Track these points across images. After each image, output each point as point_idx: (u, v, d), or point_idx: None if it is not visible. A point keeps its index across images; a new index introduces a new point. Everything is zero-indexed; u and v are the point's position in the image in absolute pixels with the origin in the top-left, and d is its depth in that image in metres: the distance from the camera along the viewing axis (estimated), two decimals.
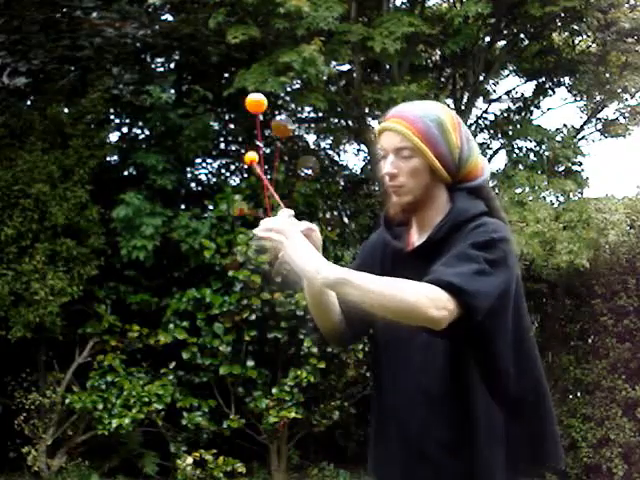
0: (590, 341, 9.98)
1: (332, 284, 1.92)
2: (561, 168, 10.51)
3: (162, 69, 11.14)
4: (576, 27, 10.74)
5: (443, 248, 2.03)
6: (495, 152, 11.52)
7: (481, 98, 11.88)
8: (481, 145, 11.38)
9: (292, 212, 2.05)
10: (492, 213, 2.13)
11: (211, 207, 9.84)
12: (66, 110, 9.55)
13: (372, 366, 2.32)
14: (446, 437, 2.05)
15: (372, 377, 2.30)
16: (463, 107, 10.91)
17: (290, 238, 1.96)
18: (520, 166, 10.47)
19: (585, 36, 11.39)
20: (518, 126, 11.23)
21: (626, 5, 10.75)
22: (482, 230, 2.02)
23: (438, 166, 2.09)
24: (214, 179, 11.83)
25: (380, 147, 2.16)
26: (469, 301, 1.90)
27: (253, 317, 9.04)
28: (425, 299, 1.87)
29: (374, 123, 11.36)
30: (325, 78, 9.80)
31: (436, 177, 2.11)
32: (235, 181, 11.41)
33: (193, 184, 11.57)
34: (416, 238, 2.18)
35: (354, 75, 10.64)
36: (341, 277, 1.90)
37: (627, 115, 11.73)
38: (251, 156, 2.23)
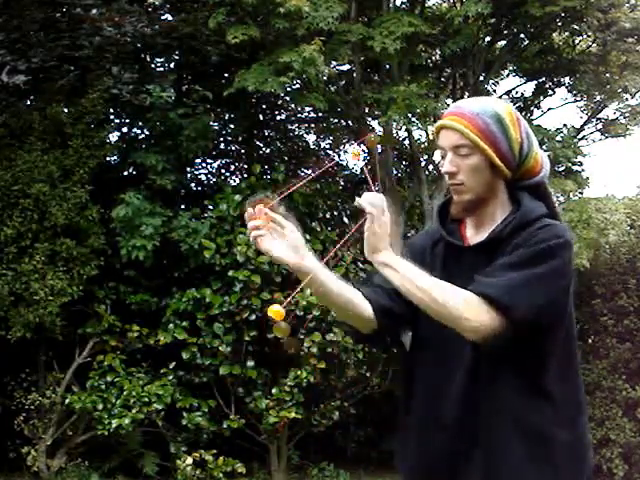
0: (590, 341, 9.97)
1: (380, 266, 2.01)
2: (561, 168, 10.51)
3: (162, 69, 11.13)
4: (576, 27, 10.73)
5: (504, 247, 2.01)
6: None
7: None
8: None
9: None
10: (551, 213, 2.09)
11: (211, 207, 9.84)
12: (66, 110, 9.54)
13: (407, 363, 2.23)
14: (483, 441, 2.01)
15: (406, 374, 2.23)
16: None
17: (379, 217, 2.03)
18: None
19: (585, 36, 11.39)
20: None
21: (626, 5, 10.74)
22: (542, 236, 1.98)
23: (499, 163, 2.05)
24: (214, 179, 11.83)
25: (439, 145, 2.12)
26: (507, 313, 1.89)
27: (253, 317, 9.03)
28: (464, 306, 1.90)
29: (374, 123, 11.36)
30: (325, 78, 9.79)
31: (497, 174, 2.07)
32: (235, 181, 11.42)
33: (193, 184, 11.57)
34: (472, 234, 2.14)
35: (354, 75, 10.64)
36: (389, 263, 1.99)
37: (627, 115, 11.72)
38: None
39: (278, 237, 1.99)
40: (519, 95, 12.15)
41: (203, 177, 12.05)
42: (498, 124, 2.05)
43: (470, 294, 1.91)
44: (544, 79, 11.71)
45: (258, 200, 2.03)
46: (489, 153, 2.04)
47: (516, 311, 1.89)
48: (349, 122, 11.70)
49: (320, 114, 11.57)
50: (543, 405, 2.01)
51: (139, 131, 11.01)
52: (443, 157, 2.11)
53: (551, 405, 2.01)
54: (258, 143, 12.25)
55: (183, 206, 10.31)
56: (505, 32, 11.03)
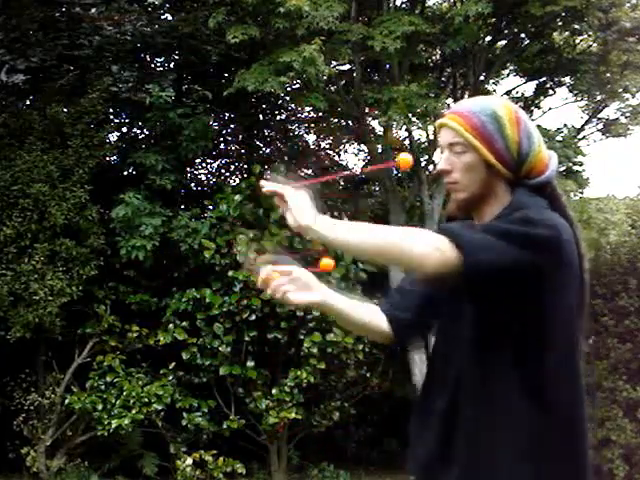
0: (591, 341, 9.94)
1: (310, 231, 1.96)
2: (562, 168, 10.49)
3: (162, 68, 11.13)
4: (577, 26, 10.71)
5: None
6: None
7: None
8: None
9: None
10: (556, 211, 2.01)
11: (211, 207, 9.82)
12: (65, 110, 9.53)
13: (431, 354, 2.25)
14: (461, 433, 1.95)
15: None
16: None
17: (293, 197, 2.02)
18: None
19: (586, 35, 11.36)
20: None
21: (627, 4, 10.73)
22: (521, 212, 1.91)
23: (494, 161, 2.01)
24: (214, 179, 11.82)
25: (438, 143, 2.12)
26: (460, 245, 1.79)
27: (253, 317, 9.02)
28: (413, 240, 1.83)
29: (374, 123, 11.35)
30: (325, 78, 9.77)
31: (494, 173, 2.03)
32: (235, 181, 11.40)
33: (193, 184, 11.56)
34: None
35: (354, 75, 10.62)
36: (318, 225, 1.99)
37: (628, 115, 11.70)
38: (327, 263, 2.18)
39: (293, 284, 2.06)
40: (519, 95, 12.14)
41: (203, 177, 12.06)
42: (495, 123, 2.02)
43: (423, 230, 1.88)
44: (545, 79, 11.69)
45: (259, 259, 2.10)
46: (483, 152, 2.01)
47: (470, 246, 1.80)
48: (349, 122, 11.68)
49: (320, 114, 11.55)
50: (529, 413, 1.92)
51: (139, 131, 11.01)
52: (441, 154, 2.10)
53: (539, 415, 1.92)
54: (258, 143, 12.24)
55: (183, 206, 10.29)
56: (505, 32, 11.01)
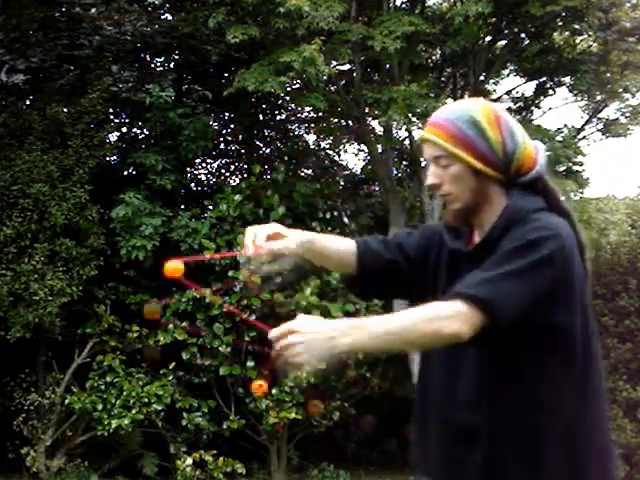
0: None
1: (350, 351, 1.83)
2: (562, 168, 10.48)
3: (162, 68, 11.12)
4: (577, 26, 10.70)
5: (494, 250, 1.91)
6: None
7: (482, 98, 11.79)
8: None
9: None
10: (552, 208, 2.00)
11: (211, 207, 9.82)
12: (65, 110, 9.53)
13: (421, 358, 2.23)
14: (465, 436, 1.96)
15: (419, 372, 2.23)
16: None
17: (305, 335, 1.80)
18: None
19: (586, 35, 11.35)
20: None
21: (627, 4, 10.72)
22: (525, 231, 1.90)
23: (481, 167, 1.99)
24: (214, 179, 11.82)
25: (424, 159, 2.14)
26: (490, 310, 1.80)
27: (253, 317, 9.01)
28: (440, 322, 1.79)
29: (374, 123, 11.34)
30: (325, 78, 9.77)
31: (484, 178, 2.00)
32: (235, 181, 11.40)
33: (193, 184, 11.55)
34: (477, 239, 2.08)
35: (354, 75, 10.61)
36: (355, 344, 1.81)
37: (628, 115, 11.69)
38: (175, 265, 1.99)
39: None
40: (520, 95, 12.13)
41: (203, 177, 12.05)
42: (474, 127, 1.99)
43: (442, 305, 1.83)
44: (545, 79, 11.69)
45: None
46: (468, 159, 1.98)
47: (496, 305, 1.80)
48: (349, 122, 11.68)
49: (320, 114, 11.55)
50: (539, 419, 1.92)
51: (139, 131, 11.01)
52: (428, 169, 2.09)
53: (549, 421, 1.92)
54: (258, 143, 12.23)
55: (183, 206, 10.29)
56: (506, 32, 11.00)
